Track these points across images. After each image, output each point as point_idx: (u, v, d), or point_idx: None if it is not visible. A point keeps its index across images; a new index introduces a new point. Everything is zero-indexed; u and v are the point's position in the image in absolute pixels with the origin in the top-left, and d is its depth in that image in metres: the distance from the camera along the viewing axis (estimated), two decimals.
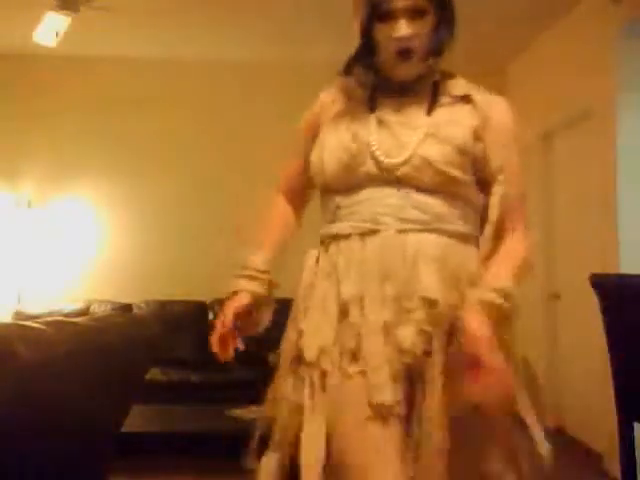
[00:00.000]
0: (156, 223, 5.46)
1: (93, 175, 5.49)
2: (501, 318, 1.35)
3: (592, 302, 1.95)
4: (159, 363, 4.40)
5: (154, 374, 4.34)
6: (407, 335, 1.35)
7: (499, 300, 1.33)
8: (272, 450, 1.48)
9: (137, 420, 3.07)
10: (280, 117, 5.31)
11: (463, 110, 1.49)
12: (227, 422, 3.70)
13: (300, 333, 1.47)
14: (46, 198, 5.43)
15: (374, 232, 1.42)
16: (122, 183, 5.48)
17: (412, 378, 1.37)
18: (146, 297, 5.18)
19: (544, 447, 1.39)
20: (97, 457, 1.56)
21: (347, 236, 1.45)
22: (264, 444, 1.49)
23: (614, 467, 3.15)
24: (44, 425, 1.21)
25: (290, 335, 1.52)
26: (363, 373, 1.35)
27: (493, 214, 1.46)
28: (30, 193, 5.38)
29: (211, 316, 5.03)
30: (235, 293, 1.58)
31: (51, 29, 4.22)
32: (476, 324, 1.31)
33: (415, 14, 1.42)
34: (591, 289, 1.91)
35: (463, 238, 1.45)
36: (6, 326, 1.36)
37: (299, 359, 1.45)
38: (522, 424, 1.41)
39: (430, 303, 1.37)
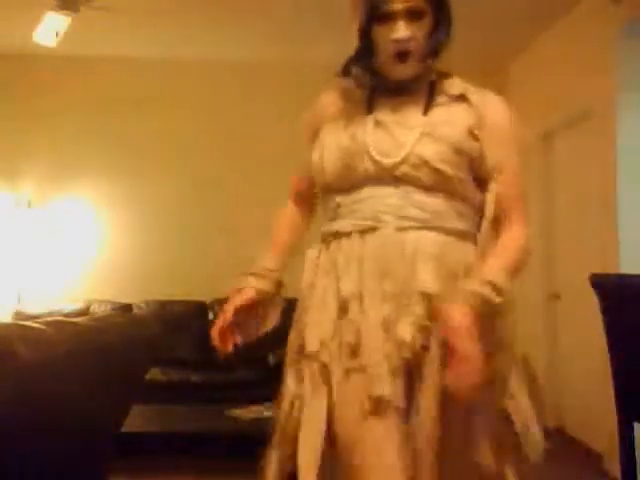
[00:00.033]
0: (156, 223, 5.46)
1: (93, 175, 5.49)
2: (489, 310, 1.36)
3: (592, 302, 1.94)
4: (159, 363, 4.40)
5: (154, 374, 4.34)
6: (407, 330, 1.37)
7: (486, 291, 1.34)
8: (273, 448, 1.50)
9: (137, 420, 3.06)
10: (280, 117, 5.32)
11: (459, 109, 1.50)
12: (227, 422, 3.70)
13: (302, 327, 1.49)
14: (46, 198, 5.43)
15: (374, 230, 1.44)
16: (122, 183, 5.48)
17: (411, 373, 1.38)
18: (146, 297, 5.18)
19: (534, 447, 1.41)
20: (97, 457, 1.56)
21: (348, 234, 1.47)
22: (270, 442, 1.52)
23: (614, 467, 3.15)
24: (44, 425, 1.21)
25: (294, 330, 1.54)
26: (363, 368, 1.36)
27: (489, 211, 1.48)
28: (30, 193, 5.38)
29: (211, 316, 5.03)
30: (241, 290, 1.60)
31: (51, 29, 4.22)
32: (455, 313, 1.32)
33: (413, 16, 1.44)
34: (591, 289, 1.90)
35: (461, 235, 1.47)
36: (6, 326, 1.36)
37: (301, 352, 1.48)
38: (508, 420, 1.42)
39: (429, 298, 1.39)
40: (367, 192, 1.47)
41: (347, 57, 1.55)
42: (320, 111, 1.62)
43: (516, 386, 1.45)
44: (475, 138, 1.47)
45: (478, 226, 1.51)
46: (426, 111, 1.50)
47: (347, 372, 1.38)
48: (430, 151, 1.43)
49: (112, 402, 1.54)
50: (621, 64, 3.79)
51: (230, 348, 1.59)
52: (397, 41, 1.44)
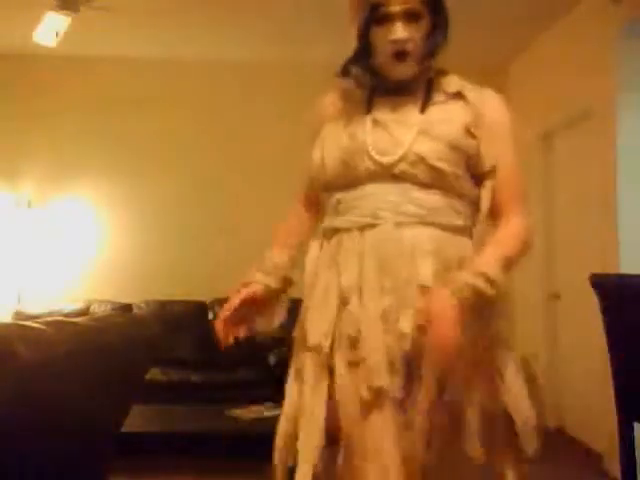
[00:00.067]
0: (156, 223, 5.46)
1: (93, 175, 5.49)
2: (481, 301, 1.37)
3: (592, 302, 1.94)
4: (159, 363, 4.40)
5: (154, 374, 4.34)
6: (406, 321, 1.39)
7: (478, 282, 1.35)
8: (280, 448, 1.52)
9: (137, 420, 3.06)
10: (280, 117, 5.34)
11: (456, 107, 1.53)
12: (227, 422, 3.70)
13: (304, 320, 1.52)
14: (46, 198, 5.43)
15: (373, 226, 1.47)
16: (122, 183, 5.48)
17: (410, 365, 1.39)
18: (146, 297, 5.18)
19: (529, 445, 1.42)
20: (97, 457, 1.56)
21: (348, 229, 1.50)
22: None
23: (614, 467, 3.15)
24: (44, 425, 1.22)
25: (298, 326, 1.56)
26: (362, 360, 1.39)
27: (484, 205, 1.51)
28: (30, 193, 5.38)
29: (211, 316, 5.03)
30: (248, 284, 1.62)
31: (51, 29, 4.22)
32: (441, 299, 1.34)
33: (411, 18, 1.48)
34: (591, 289, 1.91)
35: (458, 230, 1.50)
36: (6, 326, 1.36)
37: (303, 345, 1.50)
38: (508, 418, 1.43)
39: (428, 292, 1.40)
40: (367, 189, 1.49)
41: (346, 58, 1.57)
42: (321, 112, 1.65)
43: (516, 384, 1.45)
44: (472, 135, 1.49)
45: (475, 222, 1.53)
46: (423, 109, 1.52)
47: (348, 364, 1.41)
48: (427, 149, 1.46)
49: (112, 402, 1.54)
50: (621, 64, 3.79)
51: (231, 340, 1.59)
52: (395, 42, 1.47)
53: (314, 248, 1.58)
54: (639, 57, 3.76)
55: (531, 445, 1.43)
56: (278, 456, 1.50)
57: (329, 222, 1.56)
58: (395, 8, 1.46)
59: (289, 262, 1.65)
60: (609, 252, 3.77)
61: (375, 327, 1.40)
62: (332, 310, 1.46)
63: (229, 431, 3.62)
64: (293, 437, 1.46)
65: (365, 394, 1.37)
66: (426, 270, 1.42)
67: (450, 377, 1.36)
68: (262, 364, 4.65)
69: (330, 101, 1.65)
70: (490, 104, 1.54)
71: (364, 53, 1.53)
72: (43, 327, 1.23)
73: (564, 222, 4.70)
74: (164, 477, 3.45)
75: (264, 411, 3.73)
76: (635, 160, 3.75)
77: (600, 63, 3.99)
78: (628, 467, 1.82)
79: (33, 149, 5.35)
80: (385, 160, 1.47)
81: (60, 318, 1.38)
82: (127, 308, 5.10)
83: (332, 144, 1.54)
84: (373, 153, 1.48)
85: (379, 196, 1.47)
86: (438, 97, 1.54)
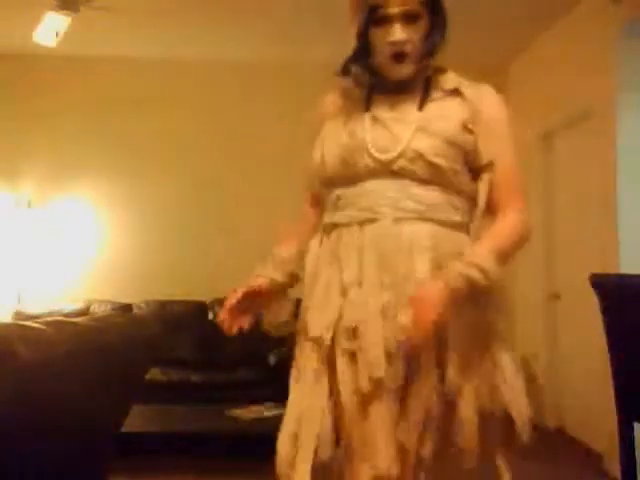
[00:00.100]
0: (156, 223, 5.46)
1: (93, 175, 5.49)
2: (474, 291, 1.38)
3: (592, 302, 1.94)
4: (159, 363, 4.40)
5: (154, 374, 4.34)
6: (405, 317, 1.39)
7: (472, 273, 1.37)
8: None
9: (137, 420, 3.07)
10: (280, 117, 5.34)
11: (453, 103, 1.55)
12: (227, 422, 3.70)
13: (305, 313, 1.53)
14: (46, 198, 5.43)
15: (372, 221, 1.49)
16: (122, 183, 5.48)
17: (409, 358, 1.40)
18: (146, 297, 5.18)
19: (523, 436, 1.44)
20: (97, 457, 1.56)
21: (347, 224, 1.52)
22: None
23: (614, 467, 3.15)
24: (44, 425, 1.22)
25: (300, 321, 1.57)
26: (361, 349, 1.41)
27: (481, 200, 1.53)
28: (30, 193, 5.38)
29: (211, 316, 5.03)
30: (255, 277, 1.63)
31: (51, 29, 4.22)
32: (429, 286, 1.37)
33: (409, 19, 1.49)
34: (591, 289, 1.91)
35: (455, 226, 1.51)
36: (6, 326, 1.36)
37: (305, 341, 1.51)
38: (508, 418, 1.45)
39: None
40: (366, 186, 1.51)
41: (346, 57, 1.59)
42: (322, 111, 1.67)
43: (516, 383, 1.46)
44: (469, 131, 1.51)
45: (473, 218, 1.55)
46: (421, 106, 1.54)
47: (349, 358, 1.42)
48: (425, 145, 1.47)
49: (112, 402, 1.54)
50: (621, 64, 3.79)
51: (235, 330, 1.59)
52: (394, 43, 1.49)
53: (314, 246, 1.59)
54: (639, 57, 3.76)
55: (525, 436, 1.44)
56: (284, 456, 1.49)
57: (329, 218, 1.58)
58: (394, 10, 1.47)
59: (296, 257, 1.66)
60: (609, 252, 3.77)
61: (375, 322, 1.41)
62: (334, 305, 1.47)
63: (229, 431, 3.62)
64: (297, 438, 1.46)
65: (365, 385, 1.38)
66: (423, 266, 1.44)
67: (424, 359, 1.38)
68: (262, 364, 4.65)
69: (331, 100, 1.66)
70: (487, 100, 1.56)
71: (363, 53, 1.55)
72: (43, 327, 1.23)
73: (564, 222, 4.69)
74: (164, 477, 3.45)
75: (264, 411, 3.73)
76: (635, 160, 3.75)
77: (600, 63, 3.99)
78: (628, 467, 1.82)
79: (33, 149, 5.35)
80: (384, 157, 1.49)
81: (60, 318, 1.38)
82: (127, 308, 5.10)
83: (332, 142, 1.56)
84: (372, 150, 1.50)
85: (379, 192, 1.49)
86: (436, 94, 1.56)
